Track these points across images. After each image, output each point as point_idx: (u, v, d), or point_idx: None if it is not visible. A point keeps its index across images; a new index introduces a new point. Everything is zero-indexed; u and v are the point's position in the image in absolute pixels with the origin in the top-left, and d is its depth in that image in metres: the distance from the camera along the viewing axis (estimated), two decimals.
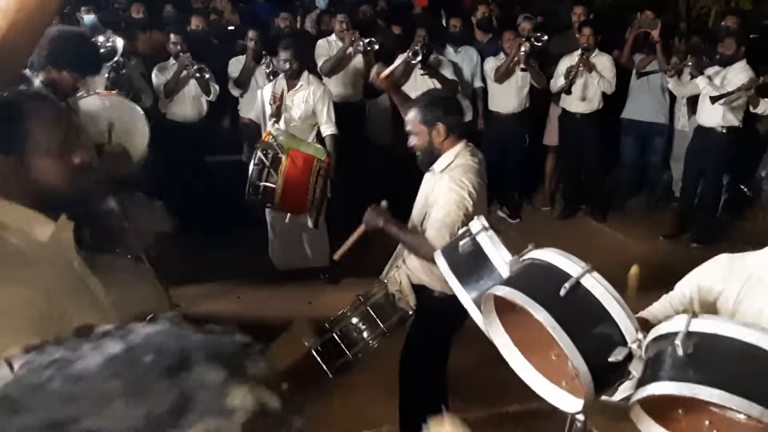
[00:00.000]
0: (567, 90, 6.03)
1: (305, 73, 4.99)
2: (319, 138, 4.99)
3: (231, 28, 6.81)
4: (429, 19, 6.68)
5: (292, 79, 4.94)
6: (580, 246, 4.91)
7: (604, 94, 6.11)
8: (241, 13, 7.23)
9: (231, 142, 6.18)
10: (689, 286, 2.05)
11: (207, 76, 5.54)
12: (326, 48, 6.04)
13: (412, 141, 2.94)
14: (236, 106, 6.05)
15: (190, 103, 5.67)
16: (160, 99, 5.63)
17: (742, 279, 1.92)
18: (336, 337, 2.83)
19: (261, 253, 5.27)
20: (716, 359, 1.36)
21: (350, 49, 5.80)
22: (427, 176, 3.04)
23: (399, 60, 5.86)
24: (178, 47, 5.50)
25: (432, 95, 3.10)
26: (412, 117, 2.92)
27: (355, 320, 2.85)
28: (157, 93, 5.59)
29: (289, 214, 4.72)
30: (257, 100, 5.15)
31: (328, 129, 4.96)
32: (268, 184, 4.28)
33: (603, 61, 6.07)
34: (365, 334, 2.84)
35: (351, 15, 6.14)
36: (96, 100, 4.55)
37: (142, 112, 4.67)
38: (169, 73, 5.55)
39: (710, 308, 1.97)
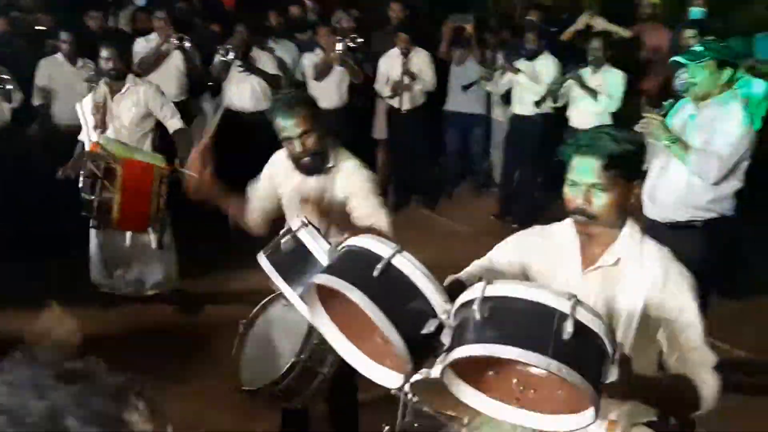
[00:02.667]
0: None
1: (130, 75, 4.62)
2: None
3: (41, 27, 6.32)
4: (248, 15, 6.61)
5: (117, 81, 4.54)
6: (415, 234, 5.13)
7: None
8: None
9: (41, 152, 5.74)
10: (498, 255, 2.23)
11: (8, 87, 5.07)
12: (145, 46, 5.82)
13: (309, 143, 2.67)
14: (48, 111, 5.62)
15: None
16: None
17: (544, 250, 2.12)
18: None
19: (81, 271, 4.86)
20: (509, 319, 1.47)
21: (166, 46, 5.62)
22: (297, 176, 2.82)
23: (216, 59, 5.78)
24: None
25: (298, 93, 2.97)
26: (305, 116, 2.67)
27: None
28: None
29: (130, 235, 4.32)
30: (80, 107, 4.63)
31: (175, 124, 4.53)
32: (103, 197, 3.80)
33: (420, 60, 6.34)
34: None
35: (168, 13, 5.93)
36: None
37: None
38: None
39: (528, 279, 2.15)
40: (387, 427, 2.16)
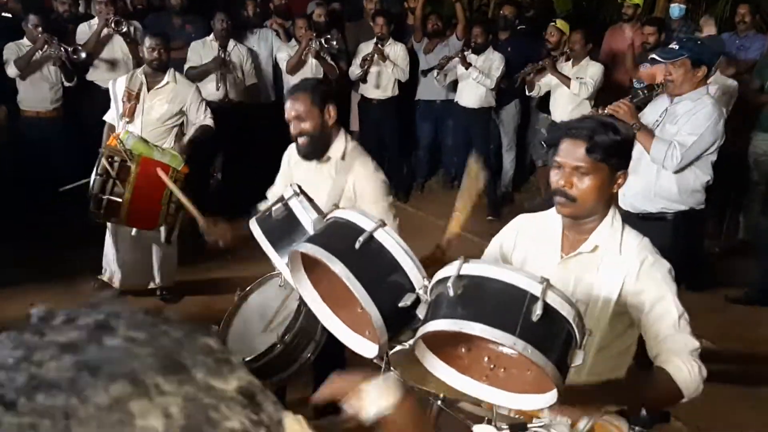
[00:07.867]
0: (363, 79, 6.26)
1: (171, 70, 4.49)
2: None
3: (7, 15, 6.18)
4: (227, 4, 6.57)
5: (156, 72, 4.41)
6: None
7: (398, 81, 6.41)
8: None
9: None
10: (492, 247, 2.31)
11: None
12: (87, 33, 5.70)
13: (303, 126, 2.72)
14: (15, 97, 5.52)
15: None
16: None
17: (530, 235, 2.18)
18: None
19: (57, 252, 4.87)
20: (481, 298, 1.51)
21: (106, 30, 5.55)
22: (310, 166, 2.83)
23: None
24: None
25: (310, 79, 2.97)
26: (302, 100, 2.71)
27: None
28: None
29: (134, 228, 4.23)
30: (113, 93, 4.46)
31: (206, 122, 4.51)
32: (113, 197, 3.72)
33: (396, 50, 6.36)
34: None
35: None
36: None
37: None
38: None
39: (508, 263, 2.20)
40: None
